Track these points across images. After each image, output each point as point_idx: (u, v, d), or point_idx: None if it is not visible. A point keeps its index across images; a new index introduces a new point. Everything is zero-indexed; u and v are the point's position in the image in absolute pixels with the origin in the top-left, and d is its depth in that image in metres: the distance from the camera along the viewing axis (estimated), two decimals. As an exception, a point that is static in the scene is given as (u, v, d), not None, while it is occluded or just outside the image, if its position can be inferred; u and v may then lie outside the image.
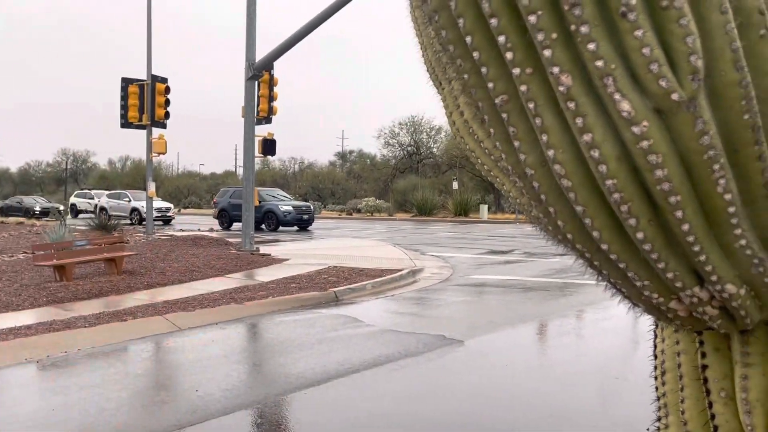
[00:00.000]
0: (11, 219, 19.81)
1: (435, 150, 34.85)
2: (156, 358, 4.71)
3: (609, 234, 0.43)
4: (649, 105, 0.36)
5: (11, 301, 6.00)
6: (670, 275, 0.43)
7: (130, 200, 21.29)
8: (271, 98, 10.44)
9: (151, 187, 13.53)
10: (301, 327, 5.39)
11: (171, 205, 22.46)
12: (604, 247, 0.45)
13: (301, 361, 4.11)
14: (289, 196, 20.04)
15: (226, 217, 17.40)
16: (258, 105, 10.05)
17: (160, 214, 19.10)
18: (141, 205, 18.17)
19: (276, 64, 9.82)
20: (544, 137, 0.40)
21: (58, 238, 8.73)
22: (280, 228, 17.14)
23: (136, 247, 10.15)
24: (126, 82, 12.70)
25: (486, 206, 24.75)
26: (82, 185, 39.70)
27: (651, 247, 0.42)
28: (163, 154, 13.13)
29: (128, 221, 20.04)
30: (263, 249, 10.80)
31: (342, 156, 45.42)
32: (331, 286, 7.01)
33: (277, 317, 5.70)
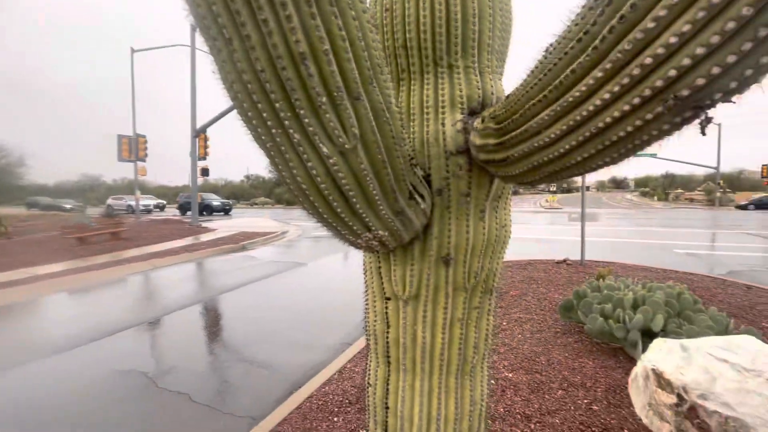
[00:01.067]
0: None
1: None
2: (143, 283, 8.12)
3: (326, 210, 0.79)
4: (335, 150, 0.70)
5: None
6: (355, 228, 0.84)
7: (125, 200, 34.99)
8: (206, 146, 18.57)
9: (137, 193, 24.97)
10: (226, 263, 10.14)
11: (151, 202, 36.44)
12: (326, 216, 0.81)
13: (226, 279, 8.22)
14: (218, 197, 33.65)
15: (183, 209, 30.34)
16: (197, 150, 18.03)
17: (145, 207, 32.47)
18: (132, 202, 29.91)
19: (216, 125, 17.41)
20: (291, 164, 0.70)
21: (79, 221, 15.10)
22: (214, 214, 29.90)
23: (129, 225, 17.05)
24: (120, 137, 22.88)
25: None
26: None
27: (344, 216, 0.80)
28: (144, 175, 24.88)
29: (125, 212, 32.24)
30: (204, 224, 18.81)
31: (247, 176, 75.25)
32: (241, 241, 13.27)
33: (212, 258, 10.78)
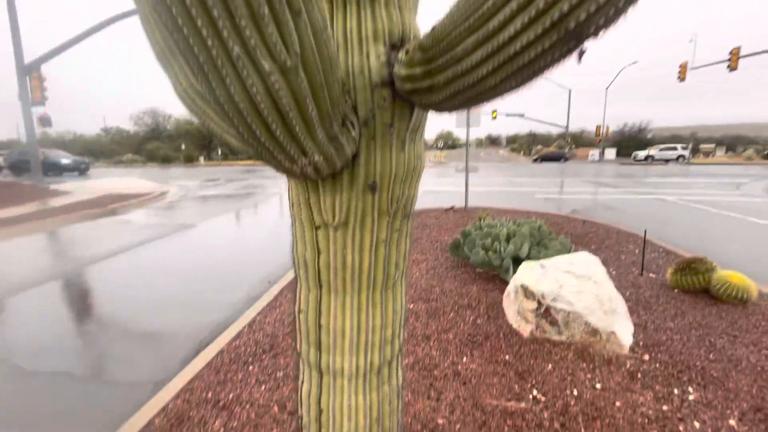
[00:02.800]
0: None
1: (168, 127, 58.68)
2: None
3: (264, 133, 0.80)
4: (276, 67, 0.71)
5: None
6: (292, 152, 0.86)
7: None
8: (42, 88, 15.02)
9: None
10: (91, 230, 8.60)
11: None
12: (263, 140, 0.82)
13: (95, 248, 7.03)
14: (68, 154, 27.44)
15: (17, 169, 23.87)
16: (30, 92, 14.76)
17: None
18: None
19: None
20: (227, 80, 0.68)
21: None
22: (64, 174, 25.39)
23: None
24: None
25: (202, 157, 45.35)
26: None
27: (283, 139, 0.82)
28: None
29: None
30: (53, 187, 15.31)
31: (105, 130, 65.44)
32: (109, 204, 11.35)
33: (72, 226, 8.95)
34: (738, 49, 22.50)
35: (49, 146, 31.03)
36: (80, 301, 4.77)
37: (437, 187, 16.25)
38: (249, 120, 0.77)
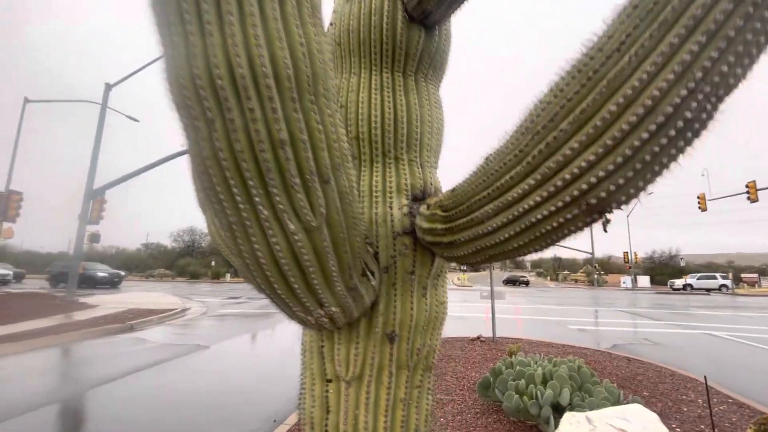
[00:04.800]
0: None
1: (203, 244, 63.05)
2: None
3: (282, 286, 0.79)
4: (301, 227, 0.73)
5: None
6: (308, 304, 0.84)
7: None
8: (101, 209, 16.57)
9: None
10: (105, 347, 8.35)
11: (10, 272, 29.30)
12: (280, 292, 0.80)
13: (104, 368, 6.68)
14: (106, 267, 28.90)
15: (56, 280, 25.69)
16: (90, 212, 16.26)
17: (2, 278, 27.11)
18: None
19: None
20: (253, 239, 0.70)
21: None
22: (97, 287, 26.12)
23: None
24: None
25: (229, 274, 45.71)
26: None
27: (299, 291, 0.80)
28: (10, 237, 19.50)
29: None
30: (82, 300, 16.03)
31: (146, 245, 71.55)
32: (129, 319, 11.19)
33: (89, 342, 8.86)
34: (754, 182, 23.21)
35: (93, 259, 33.60)
36: (74, 429, 4.38)
37: (461, 312, 15.54)
38: (268, 273, 0.76)
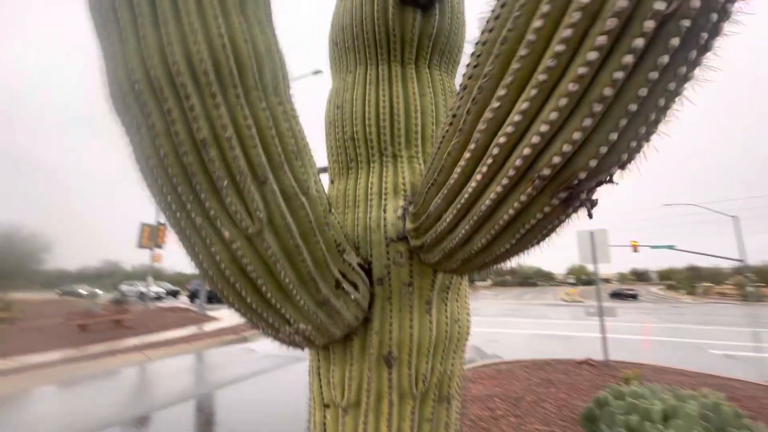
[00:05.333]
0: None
1: None
2: (134, 375, 7.74)
3: (236, 300, 0.73)
4: (239, 234, 0.67)
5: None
6: (271, 320, 0.76)
7: (137, 286, 33.76)
8: None
9: (149, 279, 23.32)
10: (222, 356, 9.61)
11: (163, 289, 35.90)
12: (237, 307, 0.74)
13: (222, 373, 7.66)
14: None
15: (193, 296, 28.37)
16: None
17: (156, 294, 31.00)
18: (144, 289, 27.47)
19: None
20: (196, 248, 0.66)
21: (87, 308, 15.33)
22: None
23: (135, 312, 16.15)
24: (142, 225, 21.13)
25: None
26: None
27: (257, 306, 0.73)
28: (159, 262, 23.50)
29: (136, 298, 30.58)
30: (210, 313, 17.89)
31: None
32: (242, 331, 12.41)
33: (210, 350, 10.23)
34: None
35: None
36: (206, 420, 5.19)
37: (568, 332, 13.88)
38: (220, 286, 0.71)
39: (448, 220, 0.54)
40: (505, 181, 0.41)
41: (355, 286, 0.85)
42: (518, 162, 0.39)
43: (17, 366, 7.92)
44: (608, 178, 0.38)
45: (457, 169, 0.47)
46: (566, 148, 0.35)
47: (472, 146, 0.42)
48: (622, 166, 0.37)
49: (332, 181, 1.13)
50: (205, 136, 0.61)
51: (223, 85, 0.62)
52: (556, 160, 0.37)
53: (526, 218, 0.44)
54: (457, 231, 0.54)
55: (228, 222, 0.66)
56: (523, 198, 0.41)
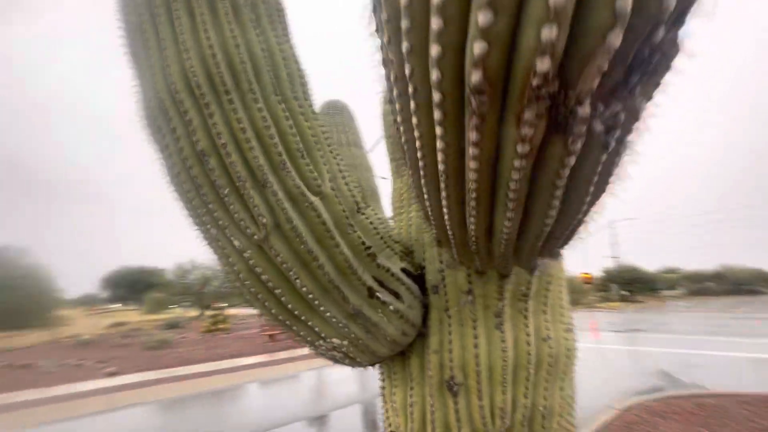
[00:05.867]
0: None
1: None
2: (312, 379, 8.79)
3: (263, 311, 0.70)
4: (249, 242, 0.64)
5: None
6: (303, 333, 0.70)
7: None
8: None
9: None
10: None
11: None
12: (268, 319, 0.71)
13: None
14: None
15: None
16: None
17: None
18: None
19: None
20: (221, 260, 0.66)
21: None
22: None
23: None
24: None
25: None
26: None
27: (283, 317, 0.68)
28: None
29: None
30: None
31: None
32: None
33: None
34: None
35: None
36: (371, 423, 5.72)
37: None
38: (247, 297, 0.70)
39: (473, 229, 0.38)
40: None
41: (396, 295, 0.72)
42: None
43: (232, 366, 10.17)
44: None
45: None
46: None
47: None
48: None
49: (393, 182, 1.04)
50: (203, 147, 0.61)
51: (217, 96, 0.62)
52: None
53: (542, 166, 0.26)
54: (496, 228, 0.38)
55: (236, 230, 0.64)
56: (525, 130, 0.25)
